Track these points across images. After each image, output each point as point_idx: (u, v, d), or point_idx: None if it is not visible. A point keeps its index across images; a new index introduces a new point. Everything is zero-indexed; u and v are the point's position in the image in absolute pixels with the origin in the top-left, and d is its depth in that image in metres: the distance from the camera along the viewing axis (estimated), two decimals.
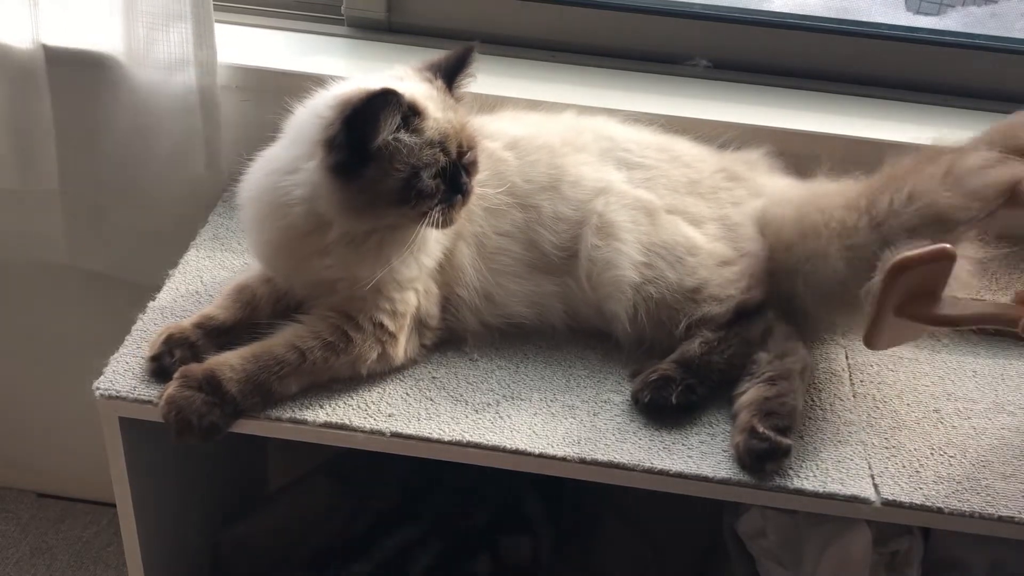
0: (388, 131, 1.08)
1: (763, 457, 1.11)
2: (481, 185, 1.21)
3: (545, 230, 1.26)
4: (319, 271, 1.17)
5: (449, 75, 1.20)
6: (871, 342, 1.14)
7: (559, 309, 1.27)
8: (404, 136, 1.09)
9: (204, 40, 1.43)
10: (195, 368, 1.12)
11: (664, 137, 1.37)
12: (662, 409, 1.17)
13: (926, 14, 1.70)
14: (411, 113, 1.11)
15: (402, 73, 1.20)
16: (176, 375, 1.12)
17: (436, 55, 1.23)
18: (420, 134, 1.11)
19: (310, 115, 1.15)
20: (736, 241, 1.27)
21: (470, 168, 1.17)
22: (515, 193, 1.26)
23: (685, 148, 1.36)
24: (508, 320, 1.26)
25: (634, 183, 1.29)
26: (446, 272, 1.23)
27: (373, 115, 1.07)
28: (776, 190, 1.34)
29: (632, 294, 1.23)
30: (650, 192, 1.28)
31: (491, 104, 1.38)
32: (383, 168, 1.09)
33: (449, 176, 1.14)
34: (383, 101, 1.07)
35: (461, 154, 1.15)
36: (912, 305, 1.09)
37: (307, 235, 1.14)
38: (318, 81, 1.22)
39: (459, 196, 1.15)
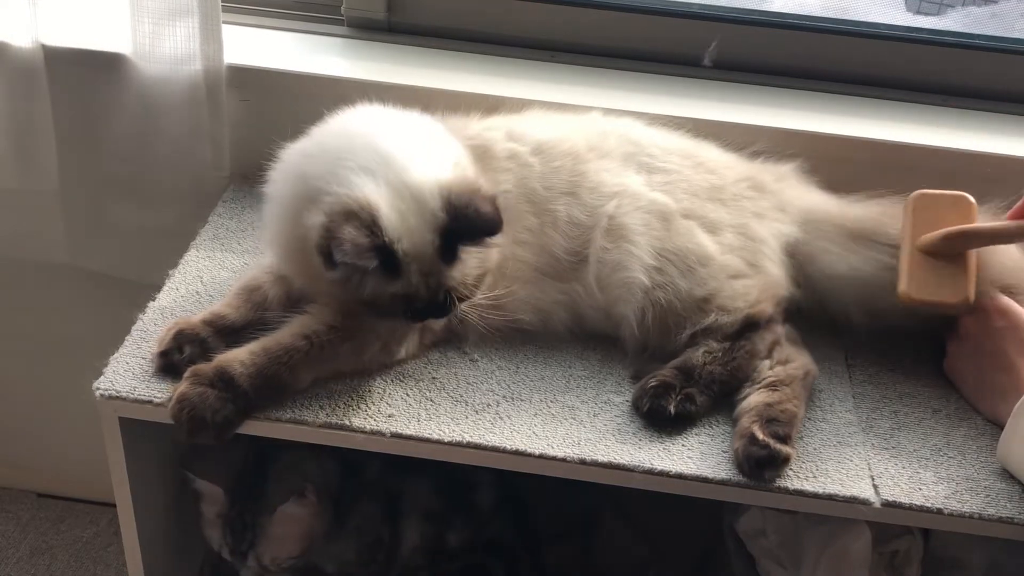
0: (352, 269, 1.07)
1: (762, 464, 1.10)
2: (504, 194, 1.20)
3: (559, 235, 1.24)
4: (327, 284, 1.15)
5: (458, 235, 1.10)
6: (902, 283, 1.20)
7: (564, 316, 1.27)
8: (369, 280, 1.08)
9: (211, 35, 1.43)
10: (205, 366, 1.12)
11: (692, 143, 1.36)
12: (661, 418, 1.16)
13: (926, 14, 1.70)
14: (386, 267, 1.07)
15: (454, 173, 1.12)
16: (186, 374, 1.12)
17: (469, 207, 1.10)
18: (385, 284, 1.09)
19: (348, 146, 1.13)
20: (753, 254, 1.26)
21: (448, 303, 1.11)
22: (533, 200, 1.25)
23: (711, 154, 1.35)
24: (512, 325, 1.25)
25: (652, 186, 1.27)
26: None
27: (339, 251, 1.05)
28: (807, 208, 1.33)
29: (642, 297, 1.22)
30: (667, 196, 1.26)
31: (519, 105, 1.38)
32: (349, 278, 1.09)
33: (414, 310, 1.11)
34: (358, 252, 1.04)
35: (433, 300, 1.11)
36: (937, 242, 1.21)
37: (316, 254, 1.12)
38: (357, 88, 1.23)
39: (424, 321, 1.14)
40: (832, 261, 1.30)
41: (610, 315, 1.25)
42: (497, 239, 1.13)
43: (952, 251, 1.21)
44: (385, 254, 1.06)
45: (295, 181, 1.15)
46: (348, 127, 1.19)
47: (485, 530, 1.48)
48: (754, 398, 1.17)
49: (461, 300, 1.12)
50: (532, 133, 1.29)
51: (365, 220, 1.06)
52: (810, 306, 1.31)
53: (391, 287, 1.09)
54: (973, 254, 1.22)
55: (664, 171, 1.29)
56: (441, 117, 1.26)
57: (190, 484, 1.32)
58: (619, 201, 1.25)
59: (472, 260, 1.12)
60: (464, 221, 1.09)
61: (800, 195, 1.35)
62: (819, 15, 1.62)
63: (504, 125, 1.30)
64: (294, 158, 1.18)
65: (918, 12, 1.71)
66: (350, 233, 1.04)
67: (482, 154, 1.24)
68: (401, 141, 1.14)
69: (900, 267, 1.22)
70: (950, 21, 1.67)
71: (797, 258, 1.31)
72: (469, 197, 1.10)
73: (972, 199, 1.24)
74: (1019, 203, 1.21)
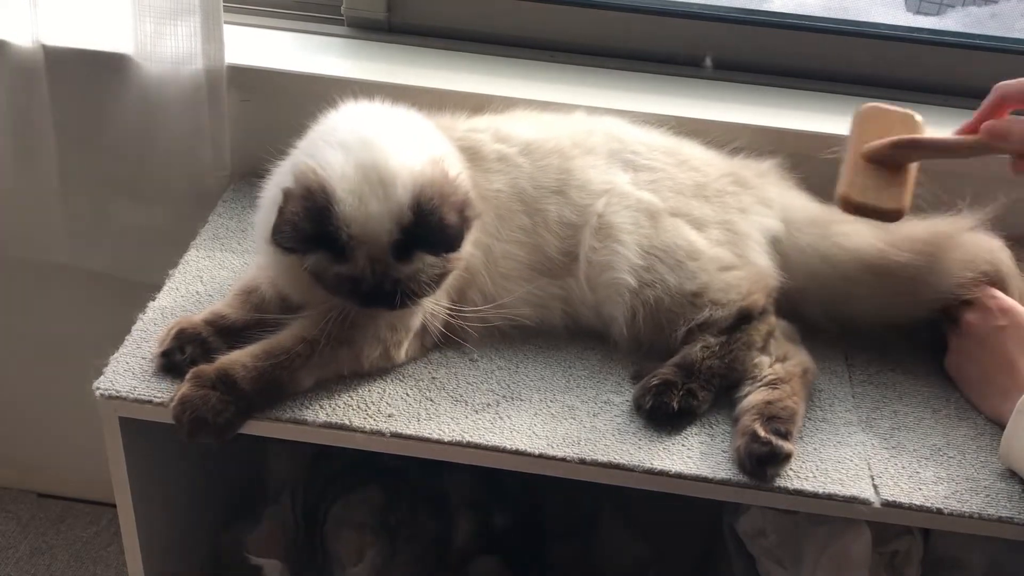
0: (300, 246, 1.08)
1: (764, 461, 1.11)
2: (496, 194, 1.21)
3: (551, 235, 1.25)
4: (319, 292, 1.15)
5: (417, 241, 1.09)
6: (841, 186, 1.18)
7: (560, 311, 1.27)
8: (313, 257, 1.09)
9: (212, 33, 1.43)
10: (207, 368, 1.12)
11: (675, 140, 1.37)
12: (665, 415, 1.16)
13: (926, 14, 1.70)
14: (329, 250, 1.08)
15: (432, 170, 1.11)
16: (188, 376, 1.12)
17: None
18: (330, 264, 1.09)
19: (332, 128, 1.16)
20: (740, 247, 1.27)
21: (396, 295, 1.10)
22: (524, 199, 1.25)
23: (695, 152, 1.36)
24: (510, 322, 1.26)
25: (639, 185, 1.28)
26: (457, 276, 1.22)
27: (277, 232, 1.07)
28: (789, 208, 1.34)
29: (630, 297, 1.22)
30: (654, 194, 1.27)
31: (502, 105, 1.38)
32: (292, 250, 1.10)
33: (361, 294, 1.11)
34: (296, 239, 1.07)
35: (379, 287, 1.09)
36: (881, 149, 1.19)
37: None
38: (357, 88, 1.23)
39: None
40: (807, 261, 1.30)
41: (600, 314, 1.26)
42: (457, 254, 1.12)
43: (897, 161, 1.20)
44: (328, 241, 1.07)
45: (280, 178, 1.17)
46: (337, 116, 1.20)
47: (520, 510, 1.52)
48: (754, 396, 1.18)
49: (414, 295, 1.11)
50: (519, 133, 1.29)
51: (318, 203, 1.07)
52: (796, 300, 1.31)
53: (336, 267, 1.09)
54: (914, 168, 1.21)
55: (649, 169, 1.30)
56: (427, 116, 1.26)
57: (247, 562, 1.38)
58: (608, 199, 1.26)
59: (430, 259, 1.11)
60: (426, 229, 1.08)
61: (780, 193, 1.36)
62: (819, 15, 1.62)
63: (490, 125, 1.30)
64: (279, 172, 1.20)
65: (918, 12, 1.70)
66: (293, 215, 1.06)
67: (472, 156, 1.25)
68: (384, 130, 1.15)
69: (842, 173, 1.21)
70: (950, 21, 1.67)
71: (779, 252, 1.31)
72: (438, 202, 1.09)
73: (920, 117, 1.23)
74: (968, 120, 1.20)
